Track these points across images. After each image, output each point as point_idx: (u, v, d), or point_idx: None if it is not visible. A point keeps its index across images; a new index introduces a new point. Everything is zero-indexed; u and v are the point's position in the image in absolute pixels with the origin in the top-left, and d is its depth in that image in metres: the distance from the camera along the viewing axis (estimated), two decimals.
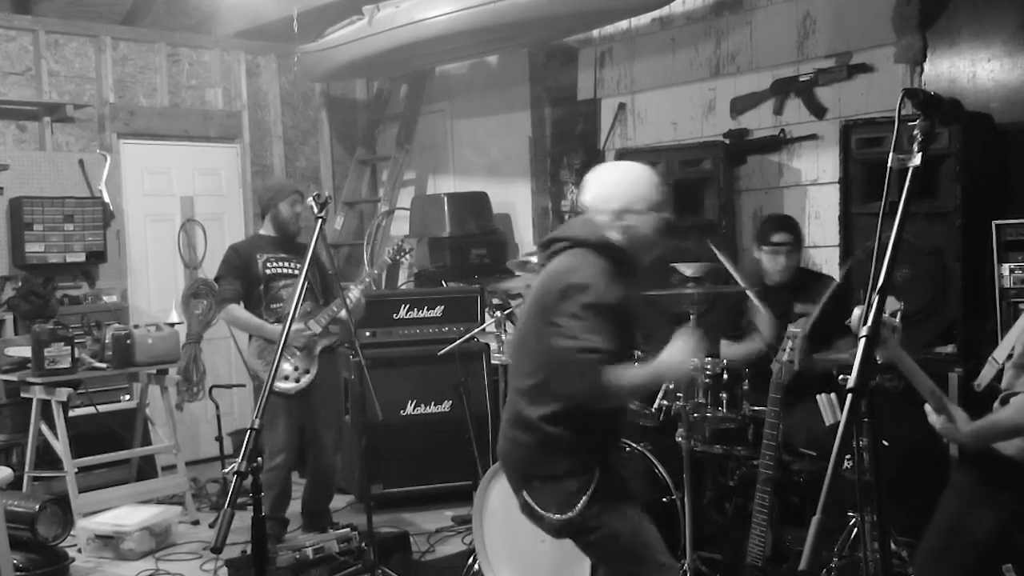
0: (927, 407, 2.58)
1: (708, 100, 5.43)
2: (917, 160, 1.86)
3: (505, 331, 4.52)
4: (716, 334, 4.29)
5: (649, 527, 2.75)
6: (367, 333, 5.23)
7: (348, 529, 4.40)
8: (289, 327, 2.71)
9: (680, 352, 2.68)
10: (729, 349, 4.19)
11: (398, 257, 4.72)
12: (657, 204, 2.78)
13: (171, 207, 6.72)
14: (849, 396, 1.71)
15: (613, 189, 2.81)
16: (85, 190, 6.17)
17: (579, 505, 2.64)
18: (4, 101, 5.96)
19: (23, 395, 5.14)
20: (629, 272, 2.74)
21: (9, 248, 5.87)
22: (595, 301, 2.58)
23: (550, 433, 2.69)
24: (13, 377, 5.16)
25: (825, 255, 4.81)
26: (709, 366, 3.70)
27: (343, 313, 4.42)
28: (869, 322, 1.76)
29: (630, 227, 2.74)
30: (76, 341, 5.15)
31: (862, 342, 1.75)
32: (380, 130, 7.58)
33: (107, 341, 5.30)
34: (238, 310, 4.60)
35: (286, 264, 4.65)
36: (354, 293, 4.57)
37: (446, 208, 6.28)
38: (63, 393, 4.95)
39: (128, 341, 5.26)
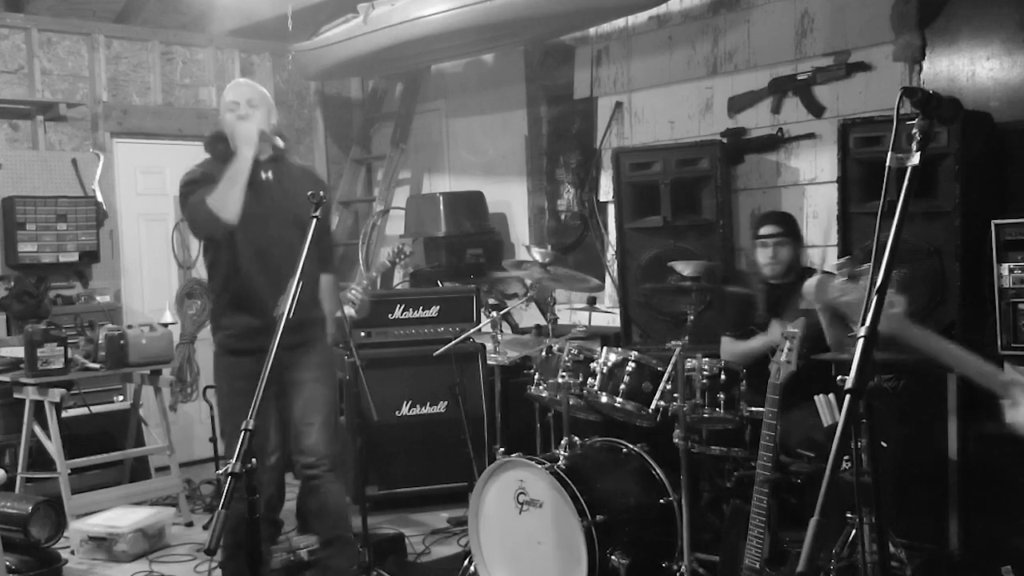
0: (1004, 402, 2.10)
1: (705, 99, 5.41)
2: (916, 159, 1.84)
3: (501, 331, 4.49)
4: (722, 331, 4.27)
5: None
6: (362, 333, 5.20)
7: None
8: (283, 328, 2.67)
9: (239, 131, 3.40)
10: (732, 346, 4.17)
11: (397, 260, 4.68)
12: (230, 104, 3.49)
13: (165, 207, 6.68)
14: (847, 397, 1.69)
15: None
16: (78, 189, 6.14)
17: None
18: None
19: (16, 396, 5.11)
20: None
21: (2, 248, 5.83)
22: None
23: None
24: (6, 378, 5.13)
25: (823, 254, 4.79)
26: (707, 366, 3.67)
27: (339, 313, 4.38)
28: (867, 322, 1.73)
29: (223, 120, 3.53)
30: (69, 341, 5.12)
31: (860, 342, 1.72)
32: (375, 129, 7.56)
33: (100, 341, 5.27)
34: None
35: None
36: (356, 292, 4.53)
37: (442, 207, 6.25)
38: (56, 394, 4.92)
39: (122, 341, 5.23)
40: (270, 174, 3.52)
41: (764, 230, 4.21)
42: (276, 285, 3.29)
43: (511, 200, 6.60)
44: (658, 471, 3.83)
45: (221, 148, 3.52)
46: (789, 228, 4.22)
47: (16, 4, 6.22)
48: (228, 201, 3.32)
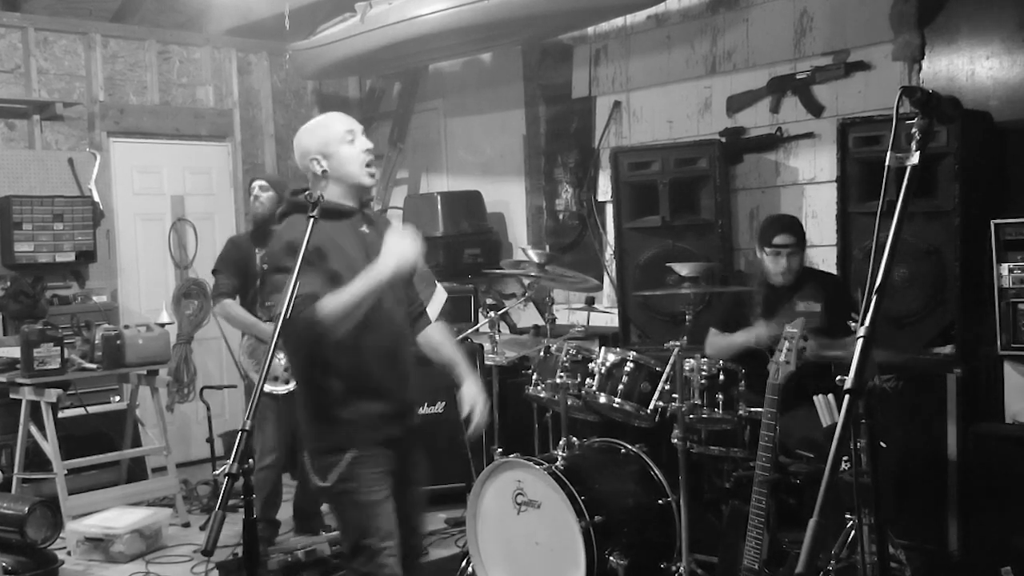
0: None
1: (704, 98, 5.39)
2: (915, 159, 1.83)
3: (499, 331, 4.48)
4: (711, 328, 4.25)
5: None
6: None
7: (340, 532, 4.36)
8: (280, 327, 2.65)
9: (398, 246, 2.63)
10: (714, 339, 4.14)
11: None
12: (347, 134, 2.82)
13: (161, 206, 6.67)
14: (847, 397, 1.68)
15: (300, 141, 2.87)
16: (75, 189, 6.13)
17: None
18: None
19: (12, 396, 5.09)
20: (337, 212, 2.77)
21: None
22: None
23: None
24: (2, 378, 5.10)
25: (822, 254, 4.77)
26: (705, 367, 3.66)
27: None
28: (867, 322, 1.72)
29: (328, 170, 2.79)
30: (66, 341, 5.10)
31: (860, 342, 1.71)
32: (373, 128, 7.52)
33: (97, 342, 5.26)
34: (233, 306, 4.55)
35: None
36: None
37: (439, 207, 6.24)
38: (52, 394, 4.91)
39: (118, 342, 5.21)
40: (365, 228, 2.86)
41: (778, 240, 4.02)
42: (396, 359, 2.87)
43: (509, 200, 6.58)
44: (656, 472, 3.82)
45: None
46: (799, 237, 4.09)
47: (12, 3, 6.20)
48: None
